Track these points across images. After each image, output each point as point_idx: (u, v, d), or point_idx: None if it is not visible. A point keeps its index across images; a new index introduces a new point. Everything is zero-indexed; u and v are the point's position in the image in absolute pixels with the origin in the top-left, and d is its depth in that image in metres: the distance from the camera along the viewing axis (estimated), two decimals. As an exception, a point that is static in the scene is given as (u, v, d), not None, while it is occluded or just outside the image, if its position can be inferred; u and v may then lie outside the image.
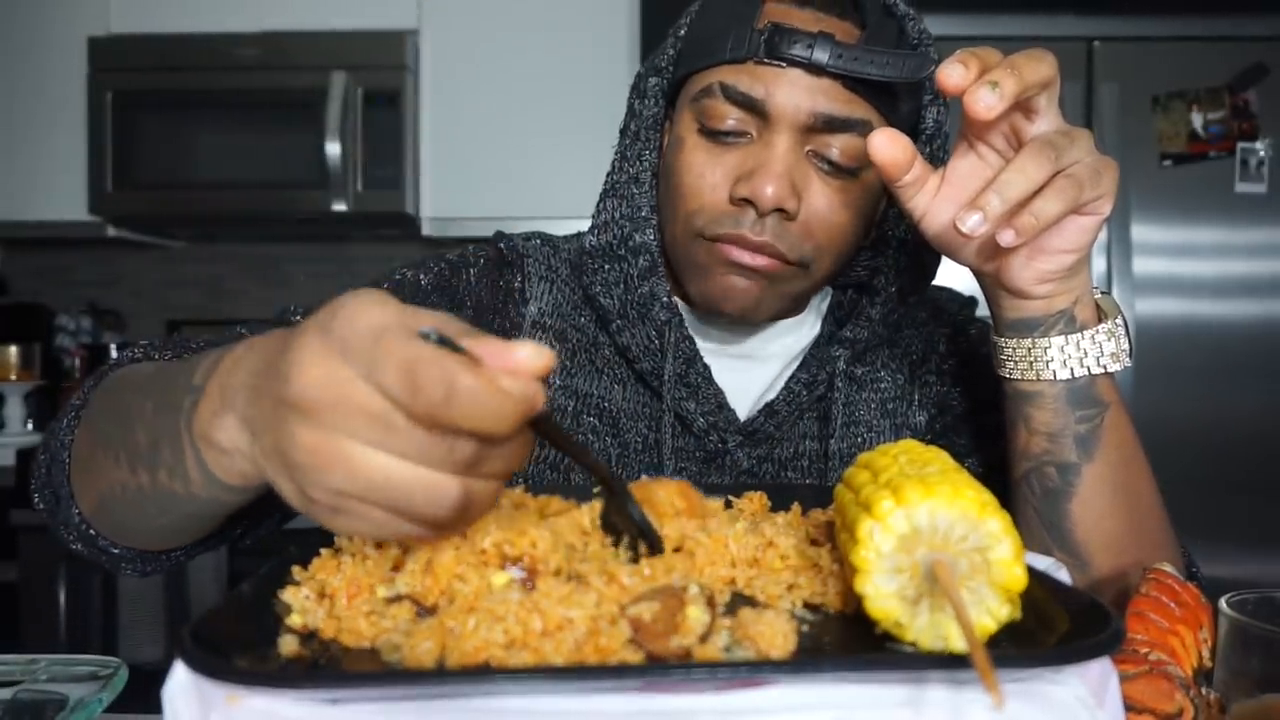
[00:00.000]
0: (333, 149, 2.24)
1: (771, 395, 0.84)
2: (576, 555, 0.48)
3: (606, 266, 0.83)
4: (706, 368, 0.82)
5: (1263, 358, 1.98)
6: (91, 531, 0.65)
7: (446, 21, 2.34)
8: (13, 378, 2.35)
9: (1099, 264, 1.98)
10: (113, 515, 0.62)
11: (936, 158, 0.79)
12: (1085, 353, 0.66)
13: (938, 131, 0.79)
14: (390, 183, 2.29)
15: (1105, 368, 0.67)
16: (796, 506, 0.60)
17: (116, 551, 0.66)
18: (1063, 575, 0.48)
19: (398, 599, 0.44)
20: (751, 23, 0.73)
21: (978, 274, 0.68)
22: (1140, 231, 1.97)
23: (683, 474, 0.82)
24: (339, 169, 2.25)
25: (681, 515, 0.51)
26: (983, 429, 0.84)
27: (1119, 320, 0.68)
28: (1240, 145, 1.97)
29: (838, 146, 0.73)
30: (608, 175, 0.84)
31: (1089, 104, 1.98)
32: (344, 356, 0.35)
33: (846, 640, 0.42)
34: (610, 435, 0.83)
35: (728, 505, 0.63)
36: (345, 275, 2.73)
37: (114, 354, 2.56)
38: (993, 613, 0.39)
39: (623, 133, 0.84)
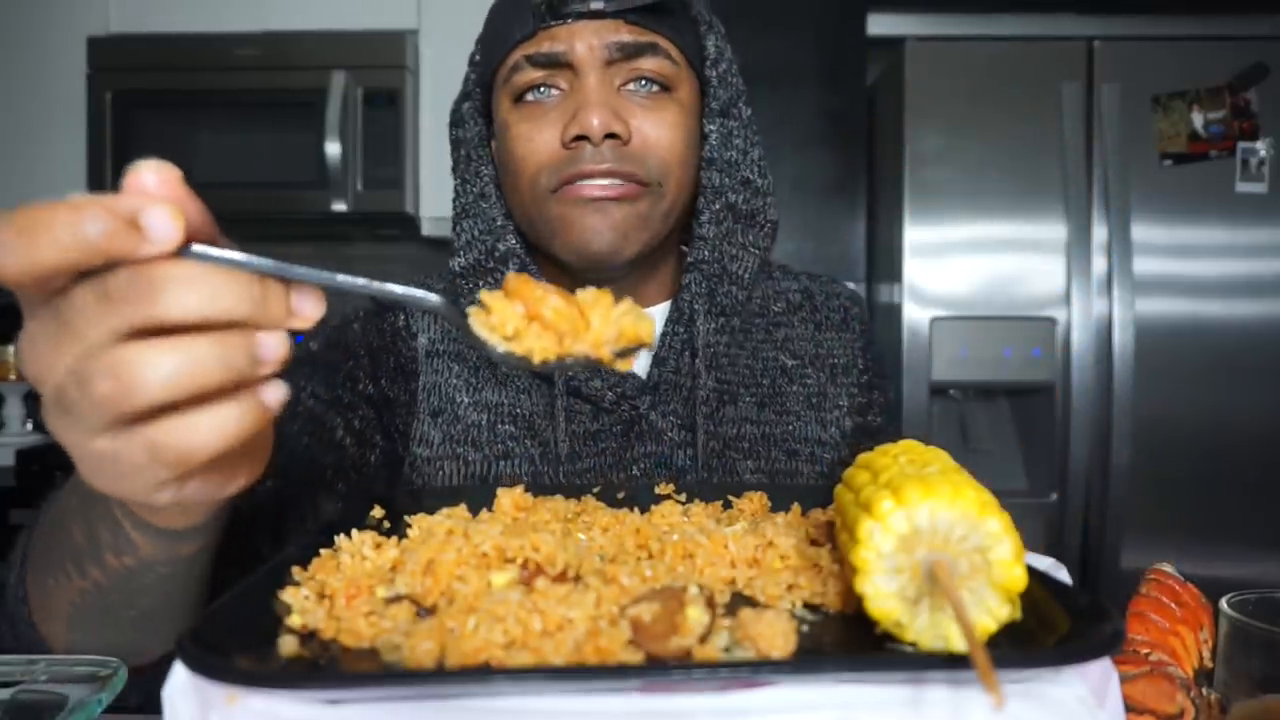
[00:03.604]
0: (333, 149, 2.24)
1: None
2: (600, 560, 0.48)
3: (480, 283, 0.86)
4: None
5: (1263, 358, 1.98)
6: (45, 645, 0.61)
7: (446, 21, 2.34)
8: (12, 377, 2.35)
9: (1099, 264, 1.98)
10: (89, 636, 0.59)
11: (724, 80, 0.85)
12: None
13: (720, 57, 0.85)
14: (390, 183, 2.29)
15: None
16: (796, 506, 0.60)
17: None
18: (1063, 575, 0.48)
19: (398, 599, 0.45)
20: (529, 3, 0.79)
21: None
22: (1140, 231, 1.97)
23: (604, 455, 0.84)
24: (339, 169, 2.25)
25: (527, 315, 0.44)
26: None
27: None
28: (1240, 145, 1.97)
29: (645, 69, 0.79)
30: (454, 201, 0.89)
31: (1089, 104, 1.98)
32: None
33: (846, 640, 0.42)
34: (528, 438, 0.84)
35: (727, 505, 0.64)
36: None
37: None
38: (993, 613, 0.39)
39: (455, 166, 0.89)
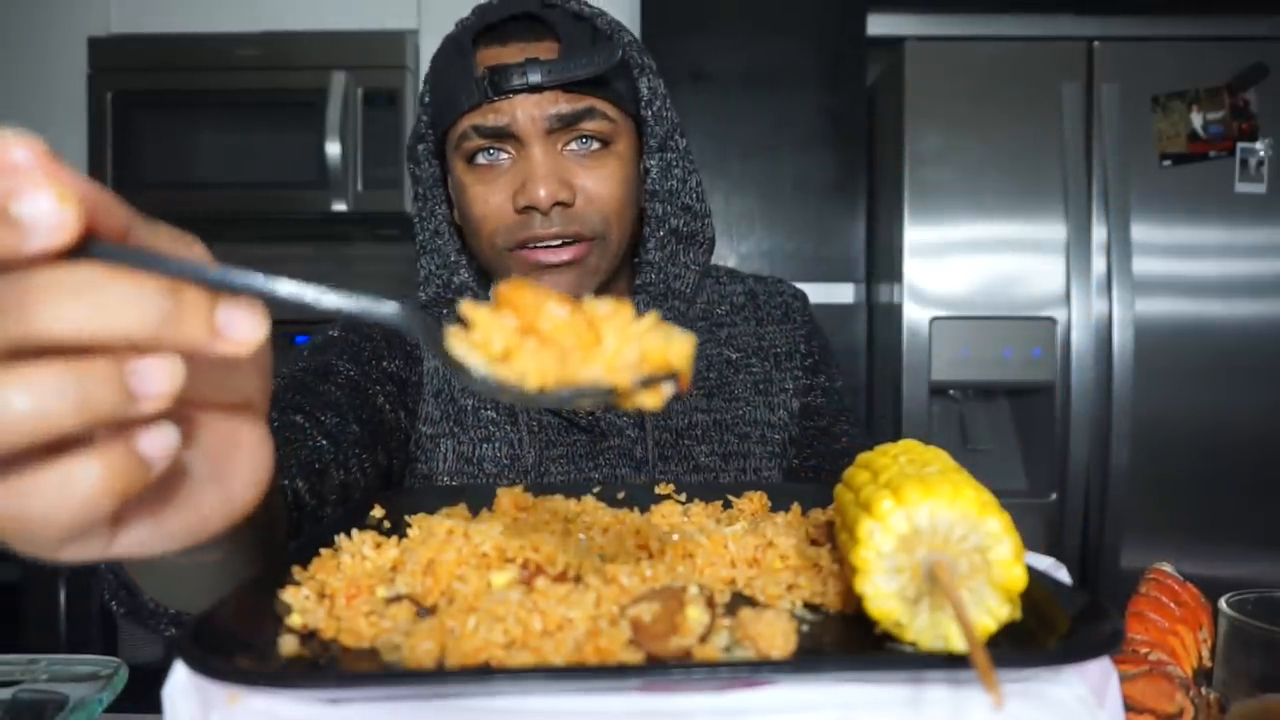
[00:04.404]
0: (333, 149, 2.24)
1: None
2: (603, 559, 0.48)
3: (445, 313, 0.94)
4: None
5: (1263, 358, 1.98)
6: (172, 611, 0.60)
7: (446, 21, 2.33)
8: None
9: (1099, 264, 1.98)
10: (159, 596, 0.59)
11: (659, 117, 0.92)
12: None
13: (654, 96, 0.91)
14: (390, 183, 2.29)
15: None
16: (796, 506, 0.60)
17: None
18: (1062, 575, 0.48)
19: (398, 599, 0.45)
20: (473, 74, 0.86)
21: None
22: (1140, 231, 1.97)
23: (575, 446, 0.92)
24: (339, 169, 2.25)
25: (525, 328, 0.34)
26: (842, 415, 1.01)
27: None
28: (1240, 145, 1.97)
29: (585, 130, 0.86)
30: (415, 238, 0.97)
31: (1089, 104, 1.98)
32: None
33: (846, 640, 0.42)
34: (509, 424, 0.92)
35: (726, 505, 0.64)
36: (345, 275, 2.72)
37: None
38: (993, 613, 0.39)
39: (415, 200, 0.96)
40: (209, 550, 0.44)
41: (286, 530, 0.62)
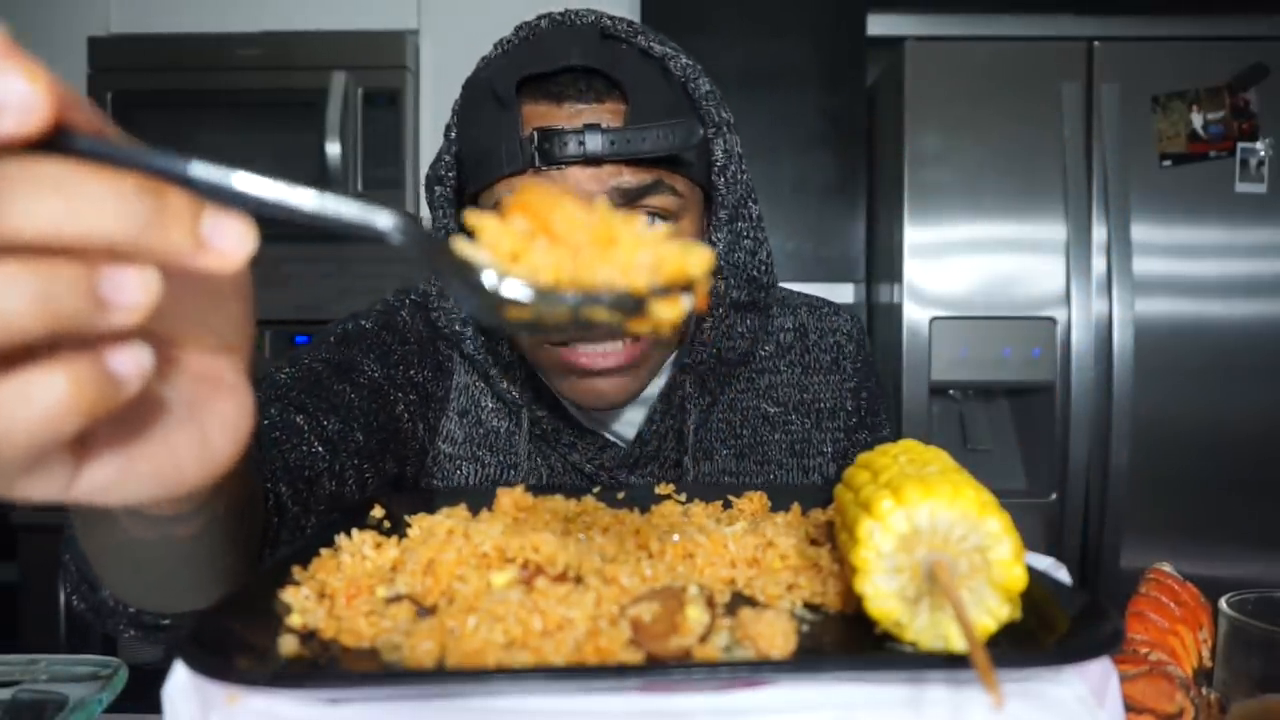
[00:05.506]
0: (333, 149, 2.24)
1: (640, 424, 0.88)
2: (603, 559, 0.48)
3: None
4: (575, 426, 0.87)
5: (1263, 358, 1.98)
6: (131, 609, 0.56)
7: (446, 21, 2.34)
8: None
9: (1099, 264, 1.98)
10: (117, 582, 0.55)
11: (734, 183, 0.79)
12: None
13: (729, 160, 0.79)
14: (390, 183, 2.29)
15: None
16: (796, 506, 0.60)
17: (166, 622, 0.56)
18: (1062, 575, 0.48)
19: (398, 599, 0.45)
20: (517, 133, 0.71)
21: None
22: (1140, 231, 1.97)
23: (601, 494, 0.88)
24: (339, 169, 2.25)
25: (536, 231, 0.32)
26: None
27: None
28: (1240, 145, 1.97)
29: (649, 206, 0.73)
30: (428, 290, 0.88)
31: (1089, 104, 1.98)
32: None
33: (846, 640, 0.42)
34: (538, 455, 0.88)
35: (726, 505, 0.64)
36: (345, 275, 2.72)
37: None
38: (993, 613, 0.39)
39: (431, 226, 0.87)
40: (177, 523, 0.42)
41: (262, 533, 0.58)
